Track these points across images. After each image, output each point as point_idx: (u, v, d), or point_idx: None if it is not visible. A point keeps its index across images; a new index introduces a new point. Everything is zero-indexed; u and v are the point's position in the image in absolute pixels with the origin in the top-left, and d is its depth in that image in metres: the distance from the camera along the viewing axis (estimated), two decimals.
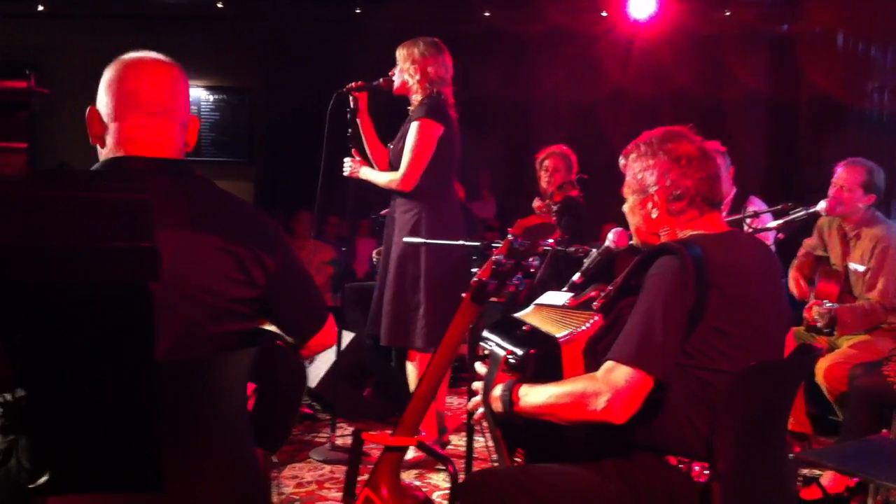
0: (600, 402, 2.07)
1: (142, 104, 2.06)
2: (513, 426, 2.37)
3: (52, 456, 1.83)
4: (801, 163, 7.99)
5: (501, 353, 2.38)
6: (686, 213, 2.31)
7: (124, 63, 2.09)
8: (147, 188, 2.00)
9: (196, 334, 1.98)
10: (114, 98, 2.07)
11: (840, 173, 4.27)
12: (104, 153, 2.10)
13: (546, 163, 5.59)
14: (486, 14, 8.39)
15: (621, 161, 2.44)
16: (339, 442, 4.61)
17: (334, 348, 4.83)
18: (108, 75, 2.09)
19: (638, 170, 2.36)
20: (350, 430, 4.86)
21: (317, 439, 4.88)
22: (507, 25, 8.21)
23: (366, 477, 2.44)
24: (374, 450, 3.88)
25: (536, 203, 5.69)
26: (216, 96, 9.60)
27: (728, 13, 7.96)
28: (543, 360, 2.30)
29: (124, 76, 2.07)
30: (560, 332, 2.33)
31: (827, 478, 3.95)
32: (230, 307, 2.03)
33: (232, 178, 9.17)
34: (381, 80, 4.45)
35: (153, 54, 2.13)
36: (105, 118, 2.09)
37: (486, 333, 2.50)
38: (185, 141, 2.15)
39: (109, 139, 2.08)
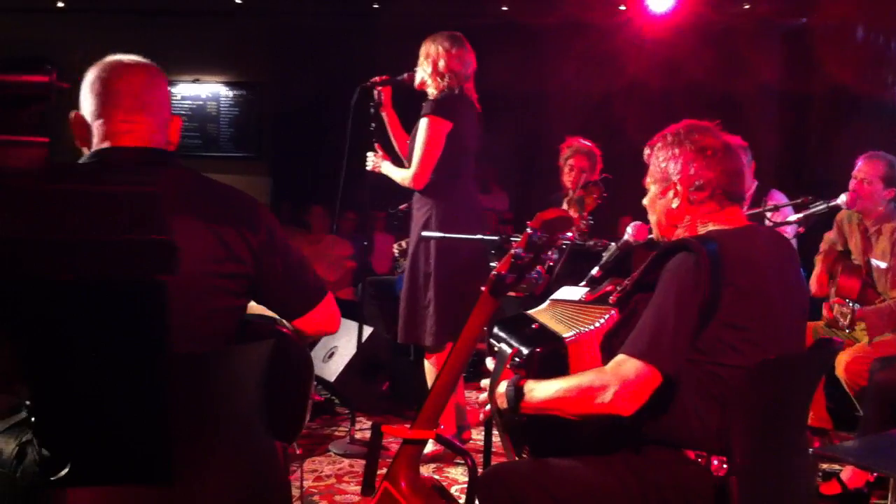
0: (608, 395, 2.08)
1: (122, 103, 2.13)
2: (518, 424, 2.37)
3: (66, 449, 1.85)
4: (814, 156, 7.94)
5: (508, 350, 2.39)
6: (706, 204, 2.31)
7: (104, 65, 2.17)
8: (156, 180, 2.03)
9: (188, 314, 2.00)
10: (96, 98, 2.15)
11: (860, 166, 4.25)
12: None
13: (571, 161, 5.52)
14: (504, 8, 8.37)
15: (646, 152, 2.45)
16: (358, 436, 4.62)
17: (354, 343, 4.85)
18: (89, 78, 2.17)
19: (662, 159, 2.37)
20: (369, 423, 4.87)
21: (336, 433, 4.90)
22: (522, 18, 8.17)
23: (385, 470, 2.45)
24: (393, 443, 3.90)
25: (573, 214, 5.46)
26: (234, 92, 9.61)
27: (746, 6, 7.90)
28: (549, 359, 2.31)
29: (104, 77, 2.16)
30: (568, 332, 2.33)
31: (847, 473, 3.93)
32: (218, 283, 2.08)
33: (248, 173, 9.19)
34: (405, 74, 4.45)
35: (131, 56, 2.21)
36: (88, 117, 2.16)
37: (495, 330, 2.51)
38: (168, 139, 2.22)
39: (94, 137, 2.15)
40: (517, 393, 2.25)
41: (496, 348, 2.47)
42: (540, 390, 2.22)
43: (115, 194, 1.93)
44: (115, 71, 2.15)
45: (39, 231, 1.84)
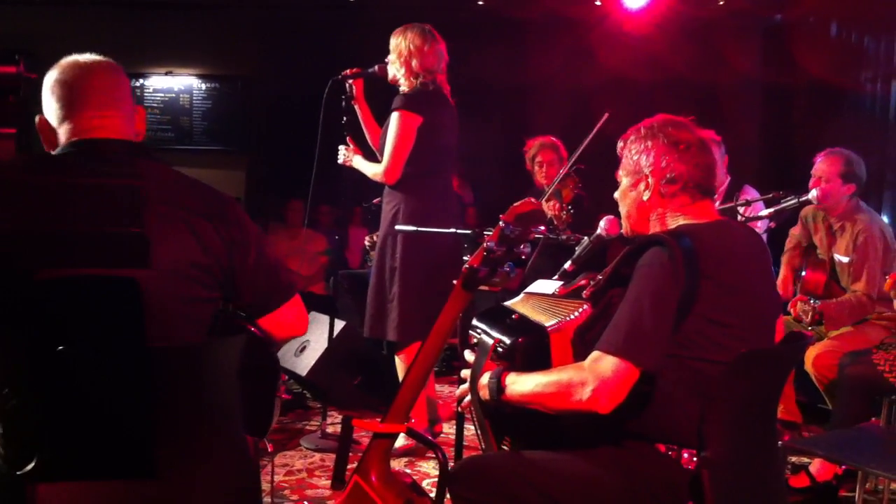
0: (585, 392, 2.07)
1: (91, 102, 2.11)
2: (501, 415, 2.37)
3: (43, 443, 1.83)
4: (796, 150, 7.97)
5: (490, 341, 2.38)
6: (678, 197, 2.32)
7: (64, 68, 2.14)
8: (141, 171, 2.03)
9: (164, 303, 1.99)
10: (60, 102, 2.11)
11: (818, 164, 4.25)
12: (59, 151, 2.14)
13: (538, 158, 5.54)
14: (480, 3, 8.36)
15: (619, 145, 2.45)
16: (329, 430, 4.61)
17: (326, 336, 4.83)
18: (49, 81, 2.14)
19: (635, 151, 2.37)
20: (341, 418, 4.86)
21: (307, 427, 4.89)
22: (504, 12, 8.16)
23: (356, 464, 2.44)
24: (364, 438, 3.89)
25: (554, 206, 5.34)
26: (208, 84, 9.54)
27: (721, 2, 7.93)
28: (532, 348, 2.30)
29: (67, 80, 2.12)
30: (549, 321, 2.33)
31: (816, 465, 3.97)
32: (191, 273, 2.06)
33: (224, 167, 9.12)
34: (376, 66, 4.43)
35: (87, 55, 2.18)
36: (54, 121, 2.13)
37: (475, 321, 2.50)
38: (136, 130, 2.21)
39: (61, 138, 2.11)
40: (499, 386, 2.25)
41: (476, 339, 2.46)
42: (520, 384, 2.22)
43: (100, 187, 1.94)
44: (77, 72, 2.13)
45: (18, 224, 1.84)
